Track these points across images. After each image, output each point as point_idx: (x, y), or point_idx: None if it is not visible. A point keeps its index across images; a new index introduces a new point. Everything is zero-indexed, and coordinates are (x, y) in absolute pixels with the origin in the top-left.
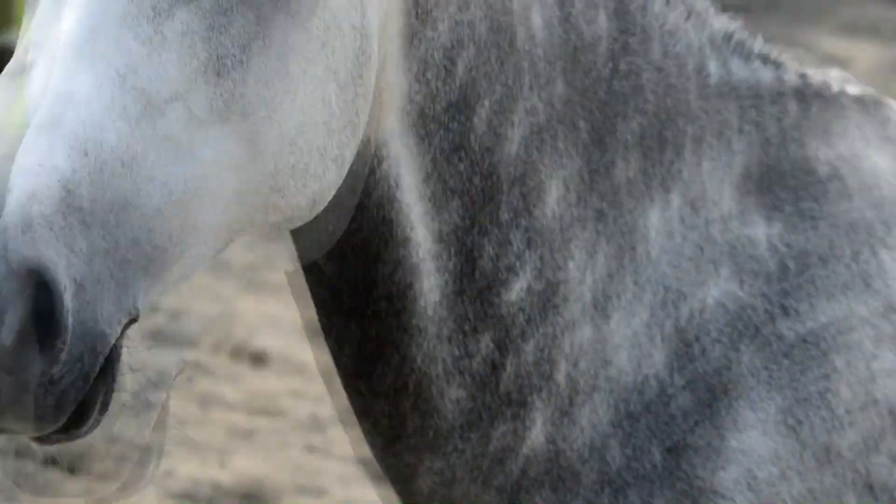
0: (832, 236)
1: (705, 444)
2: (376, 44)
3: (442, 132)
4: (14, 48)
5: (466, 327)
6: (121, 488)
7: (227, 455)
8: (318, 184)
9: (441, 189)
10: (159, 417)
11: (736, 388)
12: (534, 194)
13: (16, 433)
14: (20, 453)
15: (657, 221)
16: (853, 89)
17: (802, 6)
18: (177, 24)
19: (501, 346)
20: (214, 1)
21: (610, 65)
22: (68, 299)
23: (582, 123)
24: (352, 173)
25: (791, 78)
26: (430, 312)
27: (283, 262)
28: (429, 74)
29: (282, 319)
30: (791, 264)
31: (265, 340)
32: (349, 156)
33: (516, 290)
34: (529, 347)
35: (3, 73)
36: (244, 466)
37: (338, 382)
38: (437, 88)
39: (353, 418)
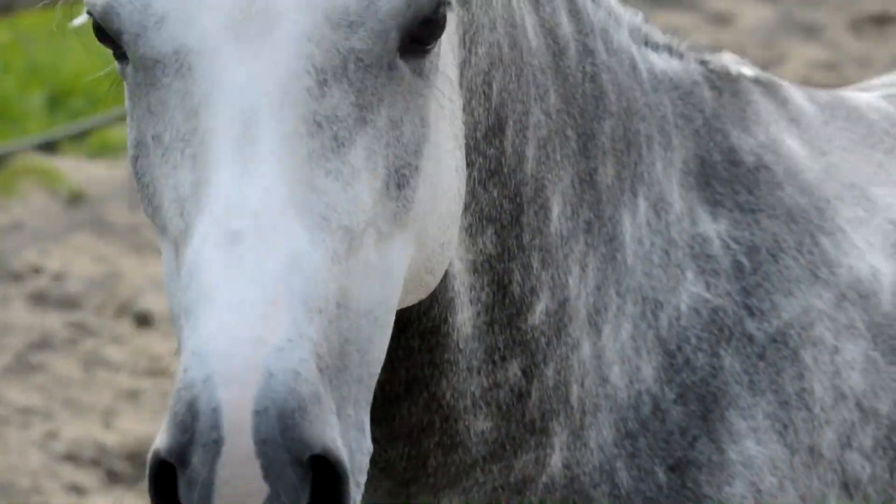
0: (774, 228)
1: (706, 460)
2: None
3: (480, 160)
4: None
5: (496, 357)
6: None
7: (113, 416)
8: (452, 250)
9: (478, 218)
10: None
11: (725, 396)
12: (542, 212)
13: None
14: None
15: (630, 227)
16: (748, 71)
17: None
18: (360, 151)
19: (527, 373)
20: (387, 117)
21: (581, 68)
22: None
23: (570, 132)
24: None
25: (695, 66)
26: (461, 345)
27: None
28: (473, 103)
29: None
30: (745, 261)
31: (149, 301)
32: None
33: (538, 312)
34: (550, 371)
35: (212, 244)
36: (130, 427)
37: None
38: (479, 116)
39: None
